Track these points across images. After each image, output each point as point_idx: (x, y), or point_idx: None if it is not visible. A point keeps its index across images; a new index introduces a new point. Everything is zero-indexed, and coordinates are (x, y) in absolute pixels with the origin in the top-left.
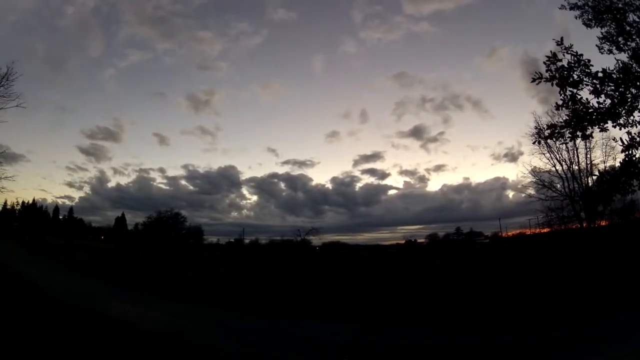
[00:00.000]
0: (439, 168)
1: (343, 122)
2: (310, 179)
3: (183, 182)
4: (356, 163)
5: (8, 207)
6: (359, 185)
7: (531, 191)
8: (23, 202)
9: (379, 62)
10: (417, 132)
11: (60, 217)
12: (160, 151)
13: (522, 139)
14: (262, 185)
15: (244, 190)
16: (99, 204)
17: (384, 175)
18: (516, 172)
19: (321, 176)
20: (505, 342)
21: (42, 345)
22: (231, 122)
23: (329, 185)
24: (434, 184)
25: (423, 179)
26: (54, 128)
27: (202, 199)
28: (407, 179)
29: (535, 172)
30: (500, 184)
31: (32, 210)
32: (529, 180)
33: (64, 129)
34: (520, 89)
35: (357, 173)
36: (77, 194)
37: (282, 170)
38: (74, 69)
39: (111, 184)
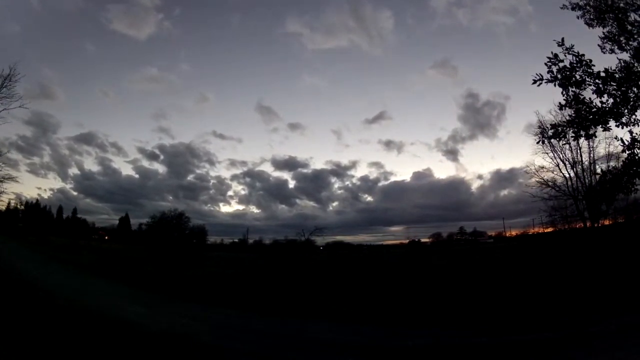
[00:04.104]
0: (462, 140)
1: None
2: (305, 163)
3: (146, 164)
4: (354, 131)
5: (11, 207)
6: (360, 170)
7: (534, 189)
8: (27, 202)
9: None
10: (444, 64)
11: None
12: (107, 113)
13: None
14: (250, 173)
15: (222, 173)
16: (72, 197)
17: (399, 147)
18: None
19: (315, 149)
20: (512, 342)
21: (50, 347)
22: (192, 59)
23: (325, 167)
24: (450, 168)
25: (451, 153)
26: None
27: (175, 185)
28: (427, 155)
29: (538, 171)
30: (513, 175)
31: (36, 210)
32: (533, 179)
33: None
34: None
35: (357, 154)
36: (45, 184)
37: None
38: None
39: (74, 170)
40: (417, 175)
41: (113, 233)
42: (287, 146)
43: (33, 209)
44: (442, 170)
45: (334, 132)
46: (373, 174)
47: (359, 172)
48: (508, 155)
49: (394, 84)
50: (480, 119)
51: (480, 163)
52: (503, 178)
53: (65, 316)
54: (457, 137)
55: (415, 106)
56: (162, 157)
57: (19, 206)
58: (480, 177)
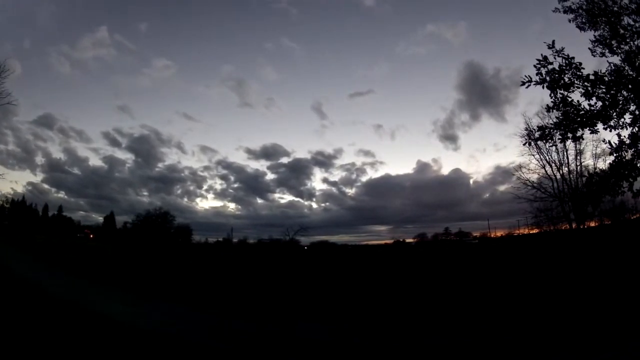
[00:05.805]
0: (462, 126)
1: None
2: (286, 151)
3: (111, 151)
4: (337, 107)
5: None
6: (347, 158)
7: (520, 191)
8: (12, 200)
9: None
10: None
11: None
12: (63, 89)
13: None
14: (224, 162)
15: (194, 164)
16: (44, 190)
17: (391, 133)
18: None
19: (294, 133)
20: (497, 342)
21: (40, 345)
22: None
23: (307, 156)
24: (448, 160)
25: (450, 140)
26: None
27: (146, 177)
28: (423, 140)
29: (524, 173)
30: (511, 170)
31: (22, 208)
32: (518, 180)
33: None
34: None
35: (342, 139)
36: (15, 177)
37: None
38: None
39: (41, 159)
40: (408, 169)
41: (98, 231)
42: (262, 130)
43: (18, 207)
44: (439, 162)
45: (315, 109)
46: (359, 163)
47: (346, 160)
48: (512, 145)
49: (386, 50)
50: (485, 96)
51: (482, 150)
52: (501, 174)
53: (56, 316)
54: (456, 121)
55: (409, 83)
56: (127, 143)
57: (5, 204)
58: (477, 172)
